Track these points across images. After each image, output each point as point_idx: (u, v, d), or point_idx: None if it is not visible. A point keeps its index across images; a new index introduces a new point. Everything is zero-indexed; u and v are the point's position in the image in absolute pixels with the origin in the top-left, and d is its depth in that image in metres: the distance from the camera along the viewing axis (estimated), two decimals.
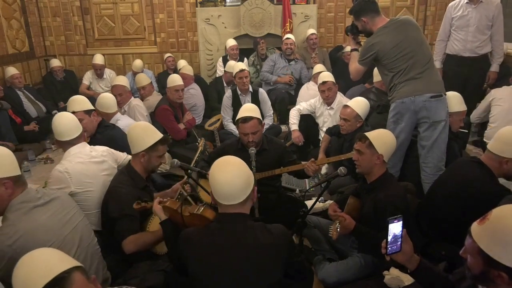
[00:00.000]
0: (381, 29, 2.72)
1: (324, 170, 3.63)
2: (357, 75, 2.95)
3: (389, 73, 2.75)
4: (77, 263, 1.19)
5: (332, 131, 3.53)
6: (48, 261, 1.15)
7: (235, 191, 1.52)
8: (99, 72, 5.80)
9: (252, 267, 1.48)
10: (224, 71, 5.18)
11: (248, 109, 2.72)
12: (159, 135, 2.26)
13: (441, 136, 2.66)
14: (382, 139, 2.15)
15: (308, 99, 4.29)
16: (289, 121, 4.09)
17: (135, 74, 5.72)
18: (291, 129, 4.04)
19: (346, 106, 3.21)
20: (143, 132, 2.23)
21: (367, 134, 2.17)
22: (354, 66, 2.90)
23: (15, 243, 1.55)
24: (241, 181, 1.52)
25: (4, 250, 1.53)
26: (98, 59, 5.76)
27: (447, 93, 2.93)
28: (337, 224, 2.09)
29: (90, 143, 2.78)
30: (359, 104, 3.18)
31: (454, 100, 2.89)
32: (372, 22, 2.75)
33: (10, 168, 1.68)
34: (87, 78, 5.89)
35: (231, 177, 1.51)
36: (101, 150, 2.48)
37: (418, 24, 2.83)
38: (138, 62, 5.81)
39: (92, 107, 2.96)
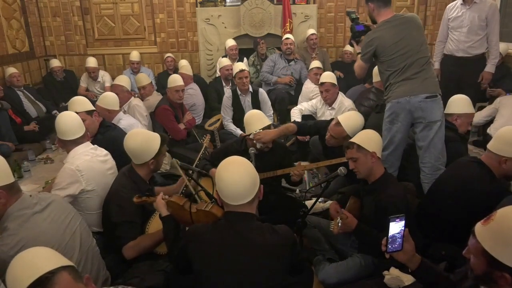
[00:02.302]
0: (383, 23, 2.71)
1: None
2: (359, 71, 2.93)
3: (386, 71, 2.75)
4: (66, 263, 1.19)
5: (302, 128, 3.11)
6: (36, 260, 1.16)
7: (242, 191, 1.52)
8: (93, 75, 5.82)
9: (258, 267, 1.49)
10: (220, 69, 5.21)
11: (259, 118, 2.75)
12: (158, 138, 2.25)
13: (437, 136, 2.66)
14: (366, 137, 2.18)
15: (306, 96, 4.30)
16: (292, 120, 4.08)
17: (132, 65, 5.82)
18: None
19: (337, 124, 2.84)
20: (145, 141, 2.20)
21: (351, 140, 2.20)
22: (357, 63, 2.92)
23: (17, 253, 1.49)
24: (247, 181, 1.53)
25: (7, 260, 1.47)
26: (91, 62, 5.80)
27: (456, 95, 2.95)
28: (338, 219, 2.10)
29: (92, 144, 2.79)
30: (352, 124, 2.80)
31: (464, 102, 2.91)
32: (378, 11, 2.74)
33: (3, 177, 1.64)
34: (84, 80, 5.94)
35: (238, 177, 1.52)
36: (104, 152, 2.48)
37: (421, 23, 2.81)
38: (135, 52, 5.88)
39: (93, 108, 2.95)
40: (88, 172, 2.24)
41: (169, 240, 1.84)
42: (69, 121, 2.36)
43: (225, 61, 5.19)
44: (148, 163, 2.20)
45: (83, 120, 2.75)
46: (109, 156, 2.48)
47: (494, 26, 3.88)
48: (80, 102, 2.90)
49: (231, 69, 5.09)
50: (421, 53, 2.68)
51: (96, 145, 2.49)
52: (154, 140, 2.23)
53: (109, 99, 3.44)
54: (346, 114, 2.96)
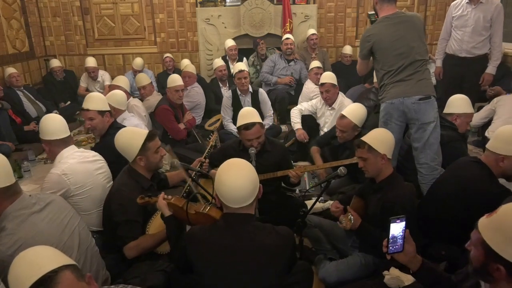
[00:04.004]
0: (383, 19, 2.70)
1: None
2: (359, 68, 2.95)
3: (381, 70, 2.75)
4: (68, 261, 1.19)
5: (321, 142, 3.45)
6: (38, 259, 1.16)
7: (244, 194, 1.52)
8: (92, 74, 5.83)
9: (257, 267, 1.49)
10: (214, 70, 5.25)
11: (248, 114, 2.65)
12: (143, 135, 2.22)
13: (432, 136, 2.66)
14: (379, 138, 2.15)
15: (307, 96, 4.30)
16: (292, 120, 4.08)
17: (135, 72, 5.76)
18: (295, 128, 4.03)
19: (342, 117, 3.01)
20: (127, 139, 2.21)
21: (363, 138, 2.17)
22: (358, 61, 2.92)
23: (15, 252, 1.49)
24: (249, 184, 1.53)
25: (5, 260, 1.49)
26: (90, 62, 5.81)
27: (456, 95, 2.95)
28: (350, 216, 2.08)
29: (98, 145, 2.79)
30: (356, 114, 3.00)
31: (463, 102, 2.91)
32: (380, 5, 2.72)
33: (1, 178, 1.62)
34: (84, 80, 5.95)
35: (240, 181, 1.51)
36: (93, 153, 2.45)
37: (422, 23, 2.76)
38: (138, 60, 5.84)
39: (107, 108, 2.88)
40: (74, 174, 2.21)
41: (171, 240, 1.84)
42: (52, 121, 2.32)
43: (218, 62, 5.19)
44: (137, 160, 2.19)
45: (92, 119, 2.77)
46: (99, 157, 2.45)
47: (498, 27, 3.86)
48: (95, 100, 2.83)
49: (224, 70, 5.13)
50: (419, 55, 2.65)
51: (82, 148, 2.46)
52: (137, 136, 2.21)
53: (118, 97, 3.43)
54: (348, 107, 3.15)
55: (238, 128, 2.67)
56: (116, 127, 2.91)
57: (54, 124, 2.30)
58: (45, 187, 2.19)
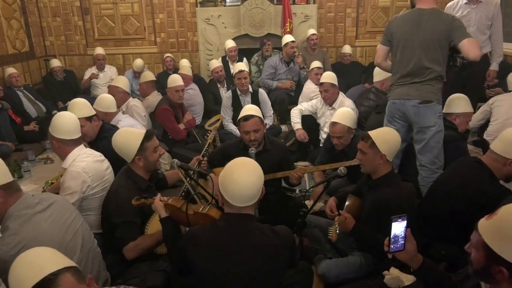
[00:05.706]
0: (412, 11, 2.64)
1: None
2: (377, 55, 2.86)
3: (393, 64, 2.74)
4: (69, 263, 1.19)
5: (324, 162, 3.22)
6: (39, 261, 1.15)
7: (252, 193, 1.52)
8: (102, 61, 5.86)
9: (257, 268, 1.49)
10: (211, 72, 5.26)
11: (250, 108, 2.74)
12: (141, 135, 2.21)
13: (433, 140, 2.65)
14: (384, 138, 2.13)
15: (307, 96, 4.30)
16: (292, 120, 4.08)
17: (135, 73, 5.77)
18: (295, 128, 4.04)
19: (334, 124, 3.00)
20: (125, 139, 2.21)
21: (370, 132, 2.15)
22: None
23: (18, 253, 1.46)
24: (258, 183, 1.53)
25: (7, 260, 1.46)
26: (99, 49, 5.92)
27: (455, 95, 2.95)
28: (336, 226, 2.09)
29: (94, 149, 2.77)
30: (346, 117, 2.99)
31: (462, 102, 2.92)
32: None
33: (0, 176, 1.62)
34: (88, 74, 5.93)
35: (251, 179, 1.51)
36: (99, 153, 2.46)
37: (453, 32, 2.48)
38: (139, 62, 5.83)
39: (94, 112, 2.85)
40: (93, 173, 2.24)
41: (168, 242, 1.84)
42: (69, 120, 2.32)
43: (215, 63, 5.19)
44: (135, 160, 2.18)
45: (82, 126, 2.64)
46: (104, 157, 2.46)
47: (498, 25, 3.90)
48: (80, 108, 2.75)
49: (221, 71, 5.14)
50: (428, 62, 2.56)
51: (89, 147, 2.47)
52: (135, 136, 2.21)
53: (105, 101, 3.41)
54: (336, 113, 3.13)
55: (238, 120, 2.73)
56: (108, 129, 2.89)
57: (72, 123, 2.31)
58: (66, 187, 2.16)
